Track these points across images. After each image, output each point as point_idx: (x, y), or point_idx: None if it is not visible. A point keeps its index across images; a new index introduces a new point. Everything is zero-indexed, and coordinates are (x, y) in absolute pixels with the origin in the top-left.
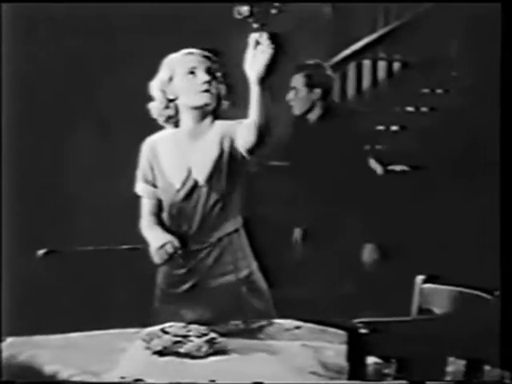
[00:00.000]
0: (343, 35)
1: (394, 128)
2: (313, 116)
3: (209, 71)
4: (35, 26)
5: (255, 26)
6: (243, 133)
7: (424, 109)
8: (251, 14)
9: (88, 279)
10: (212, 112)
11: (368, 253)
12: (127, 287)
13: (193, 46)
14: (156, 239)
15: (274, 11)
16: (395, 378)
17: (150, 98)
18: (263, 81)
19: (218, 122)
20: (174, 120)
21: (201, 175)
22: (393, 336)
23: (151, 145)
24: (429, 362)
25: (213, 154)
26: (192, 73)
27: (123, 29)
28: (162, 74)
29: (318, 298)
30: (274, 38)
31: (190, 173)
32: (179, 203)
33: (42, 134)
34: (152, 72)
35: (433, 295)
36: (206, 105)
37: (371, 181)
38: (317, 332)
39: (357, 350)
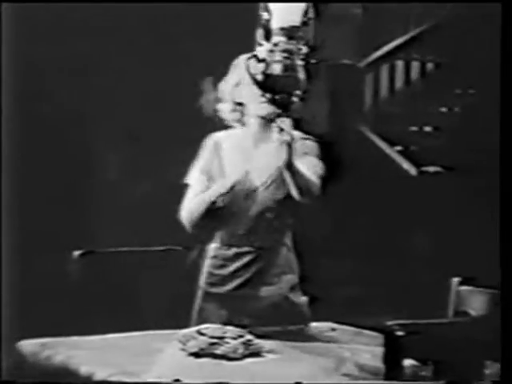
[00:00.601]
0: (375, 36)
1: (428, 129)
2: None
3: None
4: (35, 26)
5: (278, 111)
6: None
7: (457, 109)
8: (274, 101)
9: (124, 280)
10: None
11: None
12: (163, 288)
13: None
14: (220, 187)
15: (295, 99)
16: (432, 381)
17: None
18: (290, 166)
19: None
20: (241, 122)
21: (259, 180)
22: (429, 338)
23: (216, 140)
24: (465, 365)
25: (275, 162)
26: None
27: (131, 28)
28: (230, 77)
29: (354, 300)
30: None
31: (248, 174)
32: (231, 201)
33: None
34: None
35: (469, 297)
36: (272, 114)
37: (405, 182)
38: (353, 334)
39: (393, 353)
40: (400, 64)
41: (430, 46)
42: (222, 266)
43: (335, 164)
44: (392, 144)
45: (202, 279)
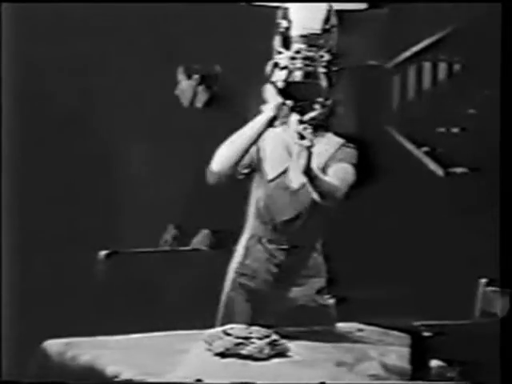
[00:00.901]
0: (403, 37)
1: (455, 130)
2: (198, 103)
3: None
4: (35, 26)
5: (298, 118)
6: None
7: (484, 110)
8: (293, 109)
9: (149, 280)
10: (324, 120)
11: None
12: (189, 288)
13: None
14: (267, 110)
15: (316, 106)
16: (458, 382)
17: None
18: (309, 170)
19: (329, 137)
20: (283, 122)
21: (296, 180)
22: (456, 339)
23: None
24: (491, 366)
25: (314, 165)
26: None
27: (131, 28)
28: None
29: (381, 301)
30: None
31: (286, 171)
32: (269, 194)
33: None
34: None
35: (495, 298)
36: (315, 119)
37: (431, 183)
38: (379, 335)
39: (420, 353)
40: (427, 65)
41: (457, 47)
42: (253, 259)
43: (366, 168)
44: (419, 145)
45: (233, 268)
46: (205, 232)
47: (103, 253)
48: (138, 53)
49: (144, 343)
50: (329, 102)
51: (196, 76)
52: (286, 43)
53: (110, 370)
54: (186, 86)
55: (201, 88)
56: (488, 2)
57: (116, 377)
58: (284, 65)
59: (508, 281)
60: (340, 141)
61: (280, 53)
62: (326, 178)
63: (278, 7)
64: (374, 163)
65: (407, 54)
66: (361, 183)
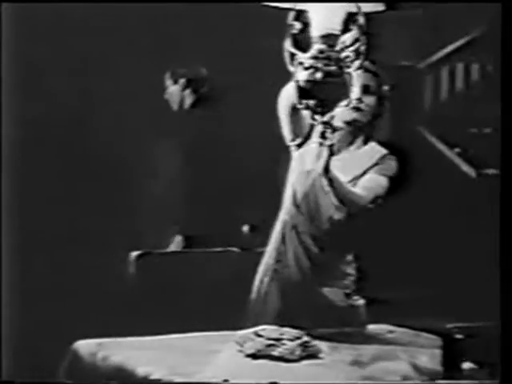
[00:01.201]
0: (435, 37)
1: (487, 131)
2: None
3: (366, 88)
4: (36, 26)
5: (319, 119)
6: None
7: None
8: (314, 110)
9: (181, 281)
10: (365, 128)
11: None
12: (221, 289)
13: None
14: None
15: (342, 106)
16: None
17: None
18: (327, 171)
19: (372, 147)
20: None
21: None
22: (488, 341)
23: None
24: None
25: (351, 173)
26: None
27: (131, 28)
28: None
29: (413, 303)
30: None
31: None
32: (308, 195)
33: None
34: None
35: None
36: (356, 121)
37: (464, 184)
38: (411, 336)
39: (452, 355)
40: (460, 66)
41: (490, 48)
42: (286, 246)
43: (400, 169)
44: (451, 146)
45: (268, 252)
46: (178, 237)
47: (134, 254)
48: (138, 53)
49: (175, 344)
50: (363, 105)
51: (182, 80)
52: (301, 44)
53: (140, 370)
54: (173, 90)
55: (187, 91)
56: (488, 2)
57: (147, 377)
58: (305, 65)
59: None
60: (382, 152)
61: (293, 54)
62: (346, 185)
63: (289, 9)
64: (407, 164)
65: (440, 54)
66: (394, 184)
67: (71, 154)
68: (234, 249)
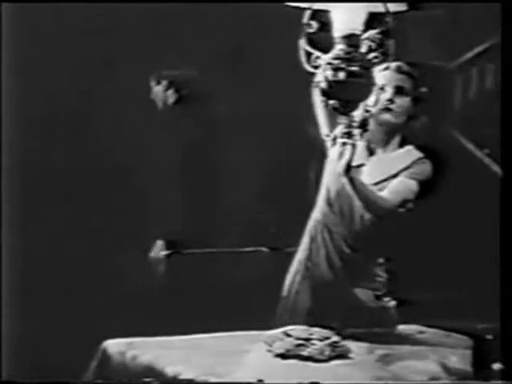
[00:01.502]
0: (466, 38)
1: None
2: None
3: (399, 90)
4: (36, 26)
5: (344, 121)
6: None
7: None
8: (338, 109)
9: (211, 281)
10: (400, 130)
11: None
12: (250, 289)
13: None
14: None
15: (364, 107)
16: None
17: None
18: (348, 171)
19: (409, 150)
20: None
21: (369, 178)
22: None
23: None
24: None
25: (381, 175)
26: (382, 89)
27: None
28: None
29: (443, 303)
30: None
31: (360, 167)
32: (339, 184)
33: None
34: None
35: None
36: (387, 122)
37: (493, 185)
38: (441, 337)
39: (482, 356)
40: (490, 66)
41: None
42: (318, 244)
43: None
44: (481, 147)
45: (301, 250)
46: (159, 242)
47: (164, 253)
48: (138, 53)
49: (204, 344)
50: (394, 106)
51: (164, 82)
52: (317, 44)
53: (170, 370)
54: (156, 91)
55: (170, 92)
56: (488, 2)
57: (176, 377)
58: (327, 66)
59: None
60: (416, 155)
61: (310, 54)
62: (369, 186)
63: (305, 8)
64: (439, 166)
65: (470, 54)
66: (426, 187)
67: (75, 153)
68: (264, 249)
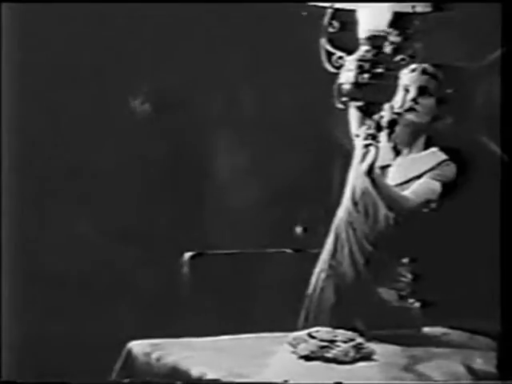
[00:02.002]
0: (490, 38)
1: None
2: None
3: (423, 90)
4: (36, 26)
5: (369, 122)
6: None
7: None
8: (362, 110)
9: (234, 282)
10: (426, 130)
11: None
12: (274, 290)
13: None
14: None
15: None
16: None
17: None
18: (370, 171)
19: (434, 152)
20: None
21: (394, 179)
22: None
23: None
24: None
25: (405, 175)
26: (407, 90)
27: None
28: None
29: (468, 305)
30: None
31: (386, 168)
32: (364, 185)
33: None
34: None
35: None
36: (411, 122)
37: None
38: (465, 339)
39: (507, 358)
40: None
41: None
42: (342, 243)
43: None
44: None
45: (326, 249)
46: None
47: (188, 254)
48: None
49: (229, 345)
50: (418, 107)
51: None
52: (338, 44)
53: (194, 371)
54: (135, 104)
55: (146, 105)
56: (488, 2)
57: (201, 378)
58: (350, 66)
59: None
60: (442, 157)
61: (333, 54)
62: (392, 187)
63: (325, 7)
64: (463, 167)
65: (495, 55)
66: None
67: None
68: (288, 250)
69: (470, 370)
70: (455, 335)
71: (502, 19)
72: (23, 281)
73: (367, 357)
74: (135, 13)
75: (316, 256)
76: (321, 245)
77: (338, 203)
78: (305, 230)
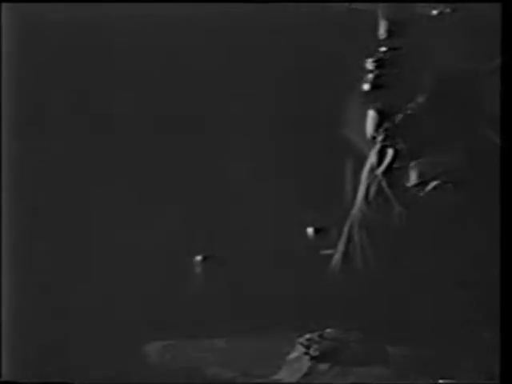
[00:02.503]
0: (498, 40)
1: None
2: None
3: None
4: (36, 26)
5: (386, 124)
6: None
7: None
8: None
9: (247, 283)
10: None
11: None
12: (289, 291)
13: None
14: None
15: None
16: None
17: None
18: (386, 174)
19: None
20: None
21: (411, 179)
22: None
23: None
24: None
25: (422, 177)
26: None
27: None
28: None
29: None
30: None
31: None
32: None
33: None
34: None
35: None
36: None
37: None
38: None
39: None
40: None
41: None
42: (356, 240)
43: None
44: None
45: (340, 243)
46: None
47: (199, 257)
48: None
49: (243, 346)
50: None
51: None
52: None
53: (209, 371)
54: None
55: None
56: (488, 2)
57: (216, 378)
58: (369, 68)
59: None
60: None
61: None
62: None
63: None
64: (473, 165)
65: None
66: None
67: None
68: (298, 251)
69: None
70: None
71: (502, 19)
72: (23, 279)
73: (380, 358)
74: None
75: (329, 257)
76: (334, 244)
77: (352, 203)
78: (317, 231)
